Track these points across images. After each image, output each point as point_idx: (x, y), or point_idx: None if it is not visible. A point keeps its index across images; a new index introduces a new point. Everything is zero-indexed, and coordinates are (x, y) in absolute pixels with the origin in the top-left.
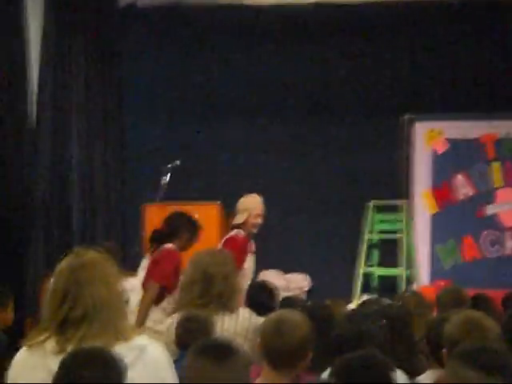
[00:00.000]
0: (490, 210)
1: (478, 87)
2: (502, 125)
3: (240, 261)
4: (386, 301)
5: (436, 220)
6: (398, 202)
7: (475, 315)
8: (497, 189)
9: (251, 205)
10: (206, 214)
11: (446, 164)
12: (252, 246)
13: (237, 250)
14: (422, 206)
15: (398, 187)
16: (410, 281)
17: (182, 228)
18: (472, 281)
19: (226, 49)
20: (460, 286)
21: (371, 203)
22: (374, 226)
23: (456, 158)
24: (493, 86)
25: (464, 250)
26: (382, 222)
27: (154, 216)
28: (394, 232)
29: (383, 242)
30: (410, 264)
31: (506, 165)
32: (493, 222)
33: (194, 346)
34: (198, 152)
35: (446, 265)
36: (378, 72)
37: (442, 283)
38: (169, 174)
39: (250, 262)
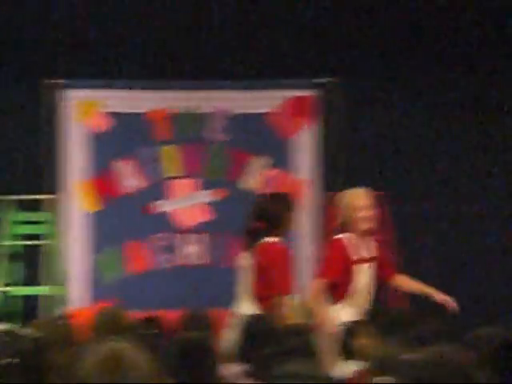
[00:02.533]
0: (161, 206)
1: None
2: (180, 96)
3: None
4: (26, 331)
5: (96, 221)
6: (43, 197)
7: (117, 347)
8: (171, 179)
9: None
10: None
11: (108, 147)
12: None
13: None
14: (77, 202)
15: (43, 177)
16: (60, 302)
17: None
18: (140, 299)
19: None
20: (122, 307)
21: (8, 198)
22: (13, 230)
23: (120, 139)
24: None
25: (129, 259)
26: (24, 223)
27: None
28: (39, 237)
29: (27, 250)
30: (61, 279)
31: (181, 148)
32: (165, 223)
33: None
34: None
35: (108, 279)
36: None
37: (103, 304)
38: None
39: None
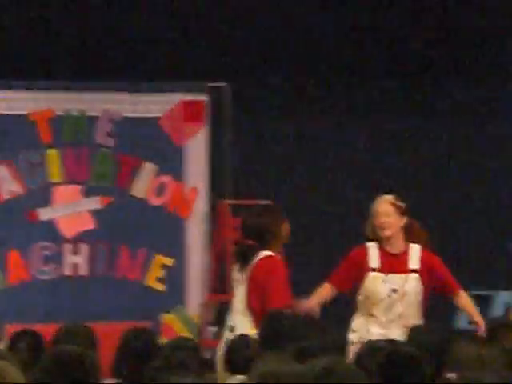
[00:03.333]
0: (44, 214)
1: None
2: (65, 97)
3: None
4: None
5: None
6: None
7: None
8: (54, 185)
9: None
10: None
11: None
12: None
13: None
14: None
15: None
16: None
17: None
18: (21, 312)
19: None
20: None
21: None
22: None
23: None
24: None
25: (9, 269)
26: None
27: None
28: None
29: None
30: None
31: (66, 152)
32: (48, 231)
33: None
34: None
35: None
36: None
37: None
38: None
39: None
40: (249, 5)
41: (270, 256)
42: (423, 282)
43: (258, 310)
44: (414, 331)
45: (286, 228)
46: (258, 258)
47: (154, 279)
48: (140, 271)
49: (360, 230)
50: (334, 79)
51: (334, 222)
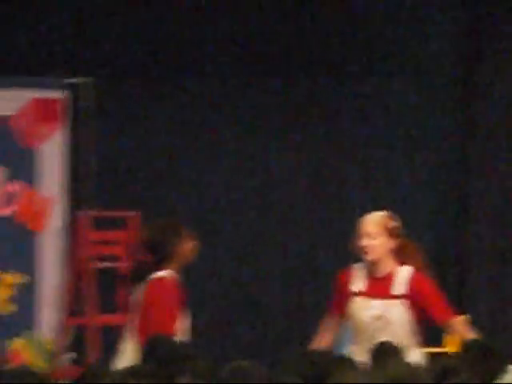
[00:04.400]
0: None
1: None
2: None
3: None
4: None
5: None
6: None
7: None
8: None
9: None
10: None
11: None
12: None
13: None
14: None
15: None
16: None
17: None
18: None
19: None
20: None
21: None
22: None
23: None
24: None
25: None
26: None
27: None
28: None
29: None
30: None
31: None
32: None
33: None
34: None
35: None
36: None
37: None
38: None
39: None
40: None
41: (160, 278)
42: (412, 309)
43: (142, 335)
44: (293, 359)
45: (188, 247)
46: (150, 278)
47: (1, 300)
48: None
49: None
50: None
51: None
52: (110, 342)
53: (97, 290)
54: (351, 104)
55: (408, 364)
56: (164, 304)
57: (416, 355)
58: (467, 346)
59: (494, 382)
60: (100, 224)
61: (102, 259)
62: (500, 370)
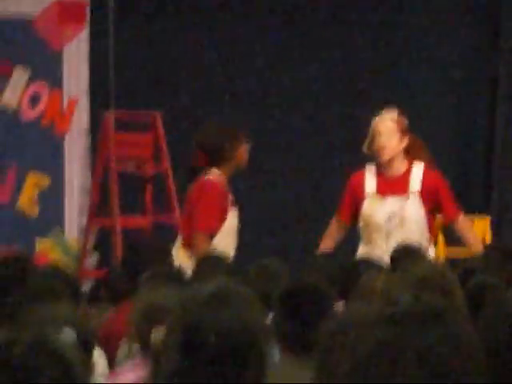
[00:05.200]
0: None
1: None
2: None
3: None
4: None
5: None
6: None
7: None
8: None
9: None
10: None
11: None
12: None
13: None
14: None
15: None
16: None
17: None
18: None
19: None
20: None
21: None
22: None
23: None
24: None
25: None
26: None
27: None
28: None
29: None
30: None
31: None
32: None
33: None
34: None
35: None
36: None
37: None
38: None
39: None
40: None
41: (207, 179)
42: (425, 205)
43: (186, 234)
44: (318, 259)
45: (242, 152)
46: (199, 178)
47: (27, 200)
48: (9, 192)
49: None
50: None
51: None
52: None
53: (121, 192)
54: None
55: (435, 265)
56: (206, 203)
57: (432, 254)
58: (489, 249)
59: None
60: (124, 126)
61: (127, 160)
62: None
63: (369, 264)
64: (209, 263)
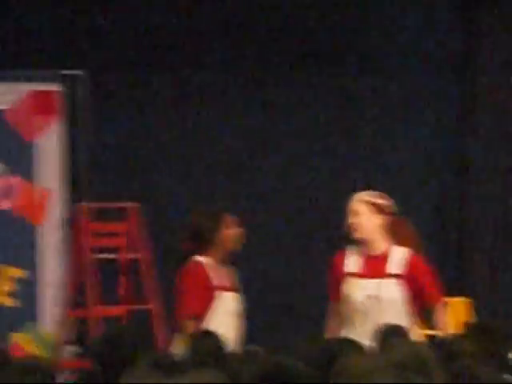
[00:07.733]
0: None
1: None
2: None
3: None
4: None
5: None
6: None
7: None
8: None
9: None
10: None
11: None
12: None
13: None
14: None
15: None
16: None
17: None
18: None
19: None
20: None
21: None
22: None
23: None
24: None
25: None
26: None
27: None
28: None
29: None
30: None
31: None
32: None
33: None
34: None
35: None
36: None
37: None
38: None
39: None
40: None
41: (190, 264)
42: (408, 289)
43: (177, 320)
44: (301, 344)
45: (228, 234)
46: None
47: (2, 294)
48: None
49: None
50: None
51: None
52: None
53: (98, 281)
54: None
55: (417, 346)
56: (187, 287)
57: (414, 336)
58: (471, 328)
59: (499, 362)
60: (100, 216)
61: (103, 251)
62: (505, 351)
63: (349, 345)
64: (195, 349)
